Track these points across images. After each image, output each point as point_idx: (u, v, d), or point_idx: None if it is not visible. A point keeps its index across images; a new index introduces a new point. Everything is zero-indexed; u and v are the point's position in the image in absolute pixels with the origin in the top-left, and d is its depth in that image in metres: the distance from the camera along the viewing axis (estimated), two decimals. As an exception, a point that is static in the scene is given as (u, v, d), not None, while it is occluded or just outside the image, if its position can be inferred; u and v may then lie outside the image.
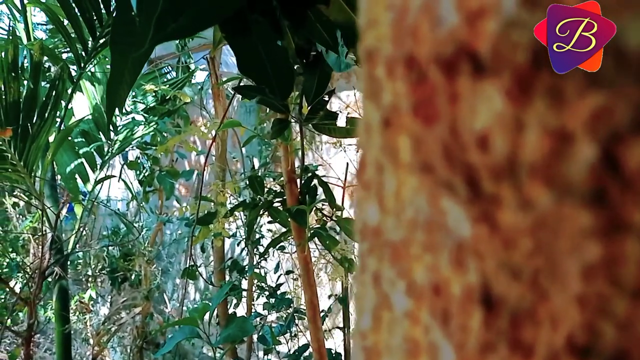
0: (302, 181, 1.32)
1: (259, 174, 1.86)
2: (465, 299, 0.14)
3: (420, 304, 0.16)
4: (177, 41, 2.39)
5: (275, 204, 1.43)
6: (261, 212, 1.38)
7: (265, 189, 1.44)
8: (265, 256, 1.89)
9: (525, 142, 0.11)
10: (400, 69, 0.14)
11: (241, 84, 1.52)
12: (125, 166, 2.42)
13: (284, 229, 2.07)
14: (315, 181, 1.34)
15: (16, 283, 2.50)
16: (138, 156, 2.41)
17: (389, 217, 0.16)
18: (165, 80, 2.40)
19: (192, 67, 2.47)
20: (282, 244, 1.61)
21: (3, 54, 1.72)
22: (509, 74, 0.11)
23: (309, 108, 1.12)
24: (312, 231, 1.31)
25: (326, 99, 1.10)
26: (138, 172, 2.38)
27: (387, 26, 0.14)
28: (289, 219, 1.36)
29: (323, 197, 1.35)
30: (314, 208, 1.30)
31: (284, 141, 1.25)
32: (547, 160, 0.11)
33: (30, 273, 1.72)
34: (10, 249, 2.67)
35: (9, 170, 1.88)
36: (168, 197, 2.25)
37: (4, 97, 1.75)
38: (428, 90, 0.13)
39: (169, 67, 2.51)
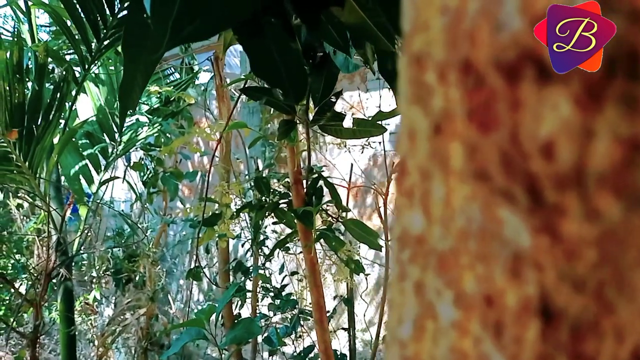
0: (308, 182, 1.31)
1: (264, 175, 1.86)
2: (522, 311, 0.14)
3: (469, 314, 0.16)
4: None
5: (281, 205, 1.43)
6: (267, 213, 1.38)
7: (271, 190, 1.44)
8: (270, 257, 1.89)
9: (594, 151, 0.11)
10: (454, 74, 0.13)
11: (245, 85, 1.51)
12: (128, 167, 2.42)
13: (287, 230, 2.07)
14: (321, 182, 1.34)
15: (21, 284, 2.50)
16: (142, 157, 2.41)
17: (436, 226, 0.16)
18: (168, 81, 2.40)
19: (196, 68, 2.47)
20: (286, 245, 1.60)
21: (8, 55, 1.72)
22: (578, 81, 0.11)
23: (315, 109, 1.11)
24: (318, 232, 1.31)
25: (333, 100, 1.10)
26: (142, 174, 2.38)
27: (440, 30, 0.14)
28: (295, 220, 1.36)
29: (329, 198, 1.35)
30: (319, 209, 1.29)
31: (290, 142, 1.25)
32: (618, 170, 0.11)
33: (36, 274, 1.71)
34: (14, 250, 2.67)
35: (14, 171, 1.88)
36: (172, 198, 2.25)
37: (9, 99, 1.74)
38: (486, 96, 0.13)
39: (172, 68, 2.51)
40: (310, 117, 1.15)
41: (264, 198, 1.38)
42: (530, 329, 0.14)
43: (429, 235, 0.17)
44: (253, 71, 0.57)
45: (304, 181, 1.30)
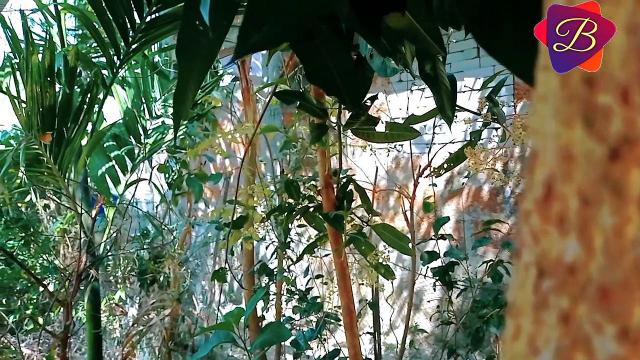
0: (339, 186, 1.30)
1: (290, 177, 1.86)
2: None
3: (636, 350, 0.15)
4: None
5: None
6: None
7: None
8: (298, 261, 1.89)
9: None
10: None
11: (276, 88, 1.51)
12: (153, 169, 2.44)
13: (311, 232, 2.06)
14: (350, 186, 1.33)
15: (48, 284, 2.54)
16: (167, 159, 2.43)
17: (599, 256, 0.15)
18: (193, 83, 2.42)
19: (220, 71, 2.48)
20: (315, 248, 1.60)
21: (40, 59, 1.75)
22: None
23: (349, 113, 1.10)
24: (348, 237, 1.30)
25: (368, 104, 1.09)
26: (167, 175, 2.40)
27: (624, 50, 0.13)
28: (325, 224, 1.35)
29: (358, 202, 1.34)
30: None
31: (321, 146, 1.24)
32: None
33: (67, 275, 1.74)
34: (41, 250, 2.72)
35: (45, 173, 1.91)
36: (197, 200, 2.26)
37: (40, 102, 1.78)
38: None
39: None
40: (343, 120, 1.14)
41: (294, 201, 1.38)
42: None
43: (587, 266, 0.16)
44: (308, 79, 0.57)
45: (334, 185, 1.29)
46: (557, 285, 0.17)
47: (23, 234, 2.45)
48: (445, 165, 1.25)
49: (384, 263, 1.37)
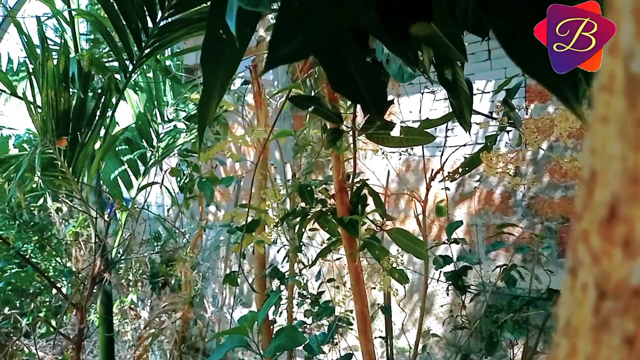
0: (353, 190, 1.30)
1: (301, 181, 1.86)
2: None
3: None
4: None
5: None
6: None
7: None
8: (308, 264, 1.89)
9: None
10: None
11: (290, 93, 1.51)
12: (165, 172, 2.45)
13: (323, 236, 2.05)
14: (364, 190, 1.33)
15: (61, 287, 2.56)
16: (178, 163, 2.45)
17: (670, 281, 0.15)
18: (205, 87, 2.43)
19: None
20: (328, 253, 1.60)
21: (54, 63, 1.77)
22: None
23: (365, 118, 1.10)
24: (362, 241, 1.29)
25: (383, 108, 1.08)
26: (179, 179, 2.41)
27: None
28: (339, 229, 1.35)
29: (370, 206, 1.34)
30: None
31: (336, 150, 1.24)
32: None
33: (81, 278, 1.75)
34: (53, 253, 2.74)
35: (59, 177, 1.93)
36: (209, 203, 2.27)
37: (55, 107, 1.79)
38: None
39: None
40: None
41: (308, 206, 1.38)
42: None
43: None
44: (332, 87, 0.57)
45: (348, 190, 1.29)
46: (621, 307, 0.17)
47: (37, 237, 2.47)
48: (461, 170, 1.24)
49: (398, 267, 1.37)
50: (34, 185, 2.27)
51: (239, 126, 3.35)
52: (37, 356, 1.88)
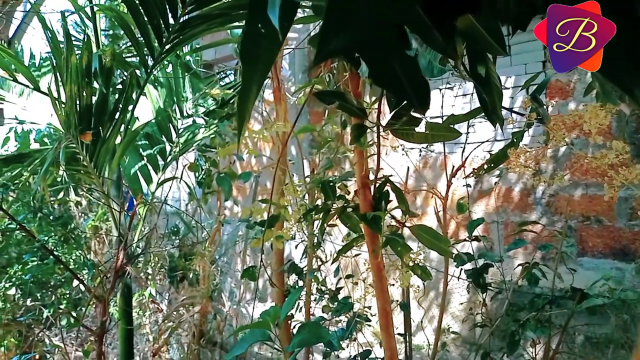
0: (376, 186, 1.30)
1: (321, 177, 1.86)
2: None
3: None
4: (235, 44, 2.42)
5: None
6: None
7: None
8: (326, 260, 1.89)
9: None
10: None
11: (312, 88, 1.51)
12: (185, 167, 2.47)
13: (343, 231, 2.05)
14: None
15: (81, 280, 2.60)
16: (197, 158, 2.46)
17: None
18: (223, 83, 2.44)
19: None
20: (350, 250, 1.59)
21: (77, 59, 1.79)
22: None
23: (391, 113, 1.10)
24: (384, 238, 1.29)
25: (409, 104, 1.07)
26: (197, 174, 2.43)
27: None
28: (361, 225, 1.35)
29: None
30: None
31: (360, 146, 1.24)
32: None
33: (103, 271, 1.78)
34: (74, 246, 2.78)
35: (81, 171, 1.96)
36: (227, 198, 2.28)
37: (78, 102, 1.81)
38: None
39: (227, 70, 2.54)
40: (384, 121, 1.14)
41: (330, 202, 1.37)
42: None
43: None
44: (375, 82, 0.56)
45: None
46: None
47: (60, 230, 2.51)
48: (486, 166, 1.23)
49: (420, 264, 1.36)
50: (57, 180, 2.30)
51: (254, 121, 3.35)
52: (64, 348, 1.91)
